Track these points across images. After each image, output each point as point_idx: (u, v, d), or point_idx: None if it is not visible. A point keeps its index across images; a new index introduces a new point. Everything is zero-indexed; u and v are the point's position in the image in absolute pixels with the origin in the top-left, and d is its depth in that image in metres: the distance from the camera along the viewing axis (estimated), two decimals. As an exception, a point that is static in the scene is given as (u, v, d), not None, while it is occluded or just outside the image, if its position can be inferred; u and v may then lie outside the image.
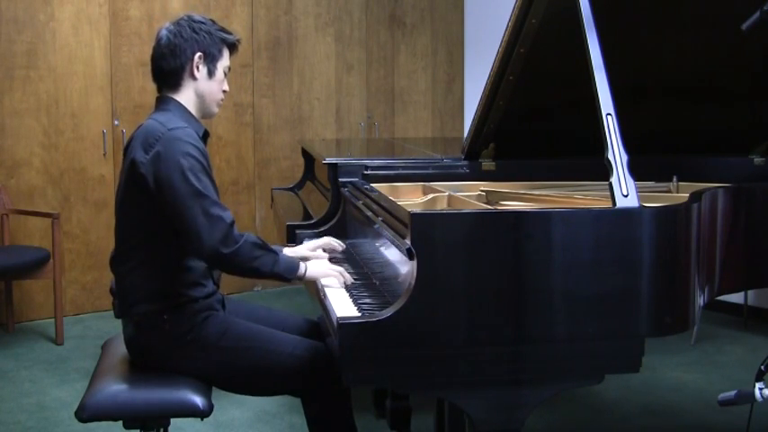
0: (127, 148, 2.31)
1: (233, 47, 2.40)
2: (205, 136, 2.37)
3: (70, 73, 4.83)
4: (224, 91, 2.40)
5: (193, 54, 2.31)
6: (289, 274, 2.24)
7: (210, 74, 2.34)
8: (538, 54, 2.58)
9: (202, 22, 2.35)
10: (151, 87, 2.36)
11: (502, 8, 3.03)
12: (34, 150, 4.76)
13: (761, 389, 1.93)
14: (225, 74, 2.39)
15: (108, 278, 5.16)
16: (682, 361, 4.10)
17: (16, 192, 4.72)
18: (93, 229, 4.99)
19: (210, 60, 2.33)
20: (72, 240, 4.93)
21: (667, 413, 3.50)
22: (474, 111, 2.83)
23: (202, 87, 2.35)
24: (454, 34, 6.30)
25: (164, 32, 2.34)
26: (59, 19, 4.77)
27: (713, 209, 2.35)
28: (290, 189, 4.11)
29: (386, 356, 1.87)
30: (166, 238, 2.23)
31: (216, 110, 2.42)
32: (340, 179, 2.92)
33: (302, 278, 2.27)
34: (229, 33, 2.40)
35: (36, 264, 4.35)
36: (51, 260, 4.41)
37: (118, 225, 2.32)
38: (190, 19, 2.35)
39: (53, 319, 4.49)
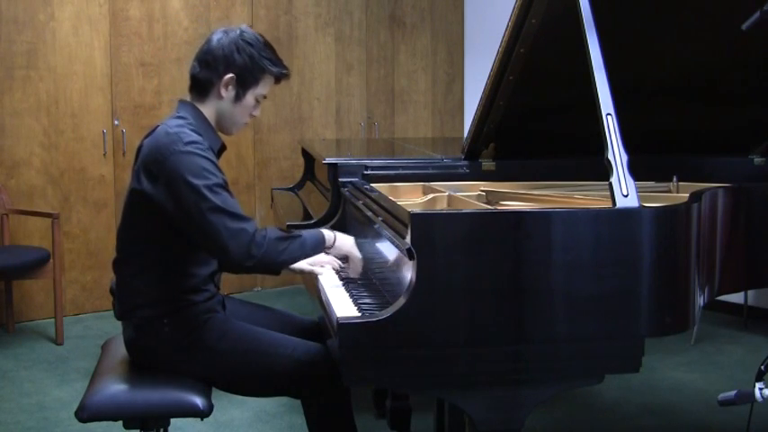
0: (138, 153, 2.26)
1: (277, 78, 2.31)
2: (221, 151, 2.32)
3: (70, 73, 4.83)
4: (252, 115, 2.32)
5: (225, 73, 2.23)
6: (319, 250, 2.28)
7: (238, 98, 2.26)
8: (538, 54, 2.58)
9: (250, 44, 2.24)
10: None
11: (502, 8, 3.03)
12: (34, 150, 4.76)
13: (761, 389, 1.93)
14: (257, 101, 2.30)
15: (108, 278, 5.17)
16: (682, 361, 4.10)
17: (16, 192, 4.72)
18: (93, 229, 4.99)
19: (242, 85, 2.25)
20: (72, 240, 4.93)
21: (667, 413, 3.50)
22: (474, 111, 2.83)
23: (225, 108, 2.28)
24: (454, 34, 6.30)
25: (211, 39, 2.26)
26: (59, 19, 4.77)
27: (713, 209, 2.35)
28: (290, 189, 4.11)
29: (386, 356, 1.87)
30: (170, 245, 2.21)
31: (234, 131, 2.35)
32: (340, 179, 2.91)
33: (332, 246, 2.30)
34: (277, 64, 2.28)
35: (36, 264, 4.35)
36: (51, 260, 4.41)
37: (123, 228, 2.29)
38: (240, 36, 2.25)
39: (53, 319, 4.50)
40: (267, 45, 2.30)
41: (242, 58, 2.23)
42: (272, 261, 2.18)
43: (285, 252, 2.18)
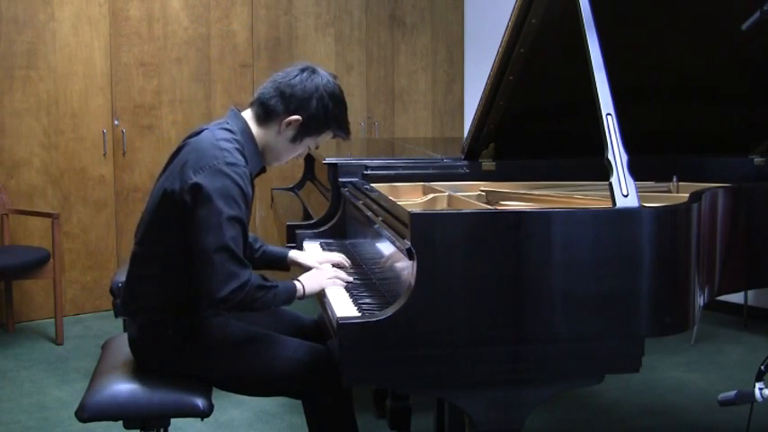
0: (178, 151, 2.24)
1: (336, 136, 2.32)
2: (260, 172, 2.32)
3: (70, 73, 4.83)
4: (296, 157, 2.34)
5: (294, 113, 2.22)
6: (290, 302, 2.24)
7: (294, 140, 2.27)
8: (538, 54, 2.58)
9: (330, 97, 2.23)
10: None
11: (502, 8, 3.03)
12: (34, 150, 4.76)
13: (761, 389, 1.93)
14: (308, 147, 2.31)
15: (108, 278, 5.17)
16: (682, 361, 4.10)
17: (16, 192, 4.72)
18: (93, 229, 4.99)
19: (303, 130, 2.24)
20: (72, 240, 4.92)
21: (667, 413, 3.50)
22: (474, 111, 2.83)
23: (278, 144, 2.28)
24: (454, 34, 6.30)
25: (294, 73, 2.25)
26: (59, 19, 4.77)
27: (713, 209, 2.35)
28: (290, 189, 4.11)
29: (386, 356, 1.87)
30: (188, 253, 2.16)
31: (273, 165, 2.35)
32: (340, 179, 2.91)
33: (302, 299, 2.27)
34: (343, 128, 2.29)
35: (36, 264, 4.35)
36: (51, 260, 4.41)
37: (148, 224, 2.24)
38: (324, 85, 2.23)
39: (53, 319, 4.50)
40: (343, 103, 2.28)
41: (316, 108, 2.22)
42: (244, 307, 2.16)
43: (258, 301, 2.14)
